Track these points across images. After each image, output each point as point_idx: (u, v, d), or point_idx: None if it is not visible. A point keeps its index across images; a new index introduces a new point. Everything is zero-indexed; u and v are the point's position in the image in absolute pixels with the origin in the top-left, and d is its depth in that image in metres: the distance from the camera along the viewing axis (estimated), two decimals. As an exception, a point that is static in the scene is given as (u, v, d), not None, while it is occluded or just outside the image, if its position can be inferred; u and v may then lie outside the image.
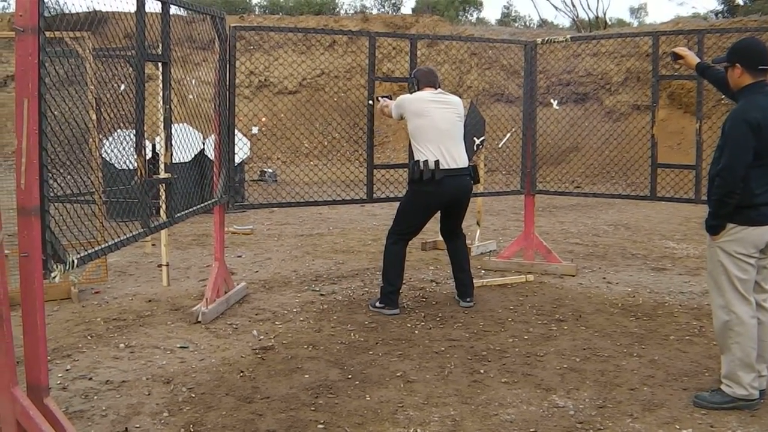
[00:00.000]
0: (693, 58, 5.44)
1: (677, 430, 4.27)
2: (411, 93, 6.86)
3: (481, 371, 5.20)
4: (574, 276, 8.13)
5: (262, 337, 5.98)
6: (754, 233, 4.51)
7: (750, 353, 4.52)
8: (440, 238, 9.38)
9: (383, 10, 33.85)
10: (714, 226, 4.59)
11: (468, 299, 6.93)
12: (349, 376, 5.09)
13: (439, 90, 6.82)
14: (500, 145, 10.11)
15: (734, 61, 4.62)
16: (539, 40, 8.34)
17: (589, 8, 34.82)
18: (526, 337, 5.99)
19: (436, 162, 6.51)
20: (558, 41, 8.47)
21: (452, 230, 7.03)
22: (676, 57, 5.48)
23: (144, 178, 4.91)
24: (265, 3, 33.09)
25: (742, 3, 28.55)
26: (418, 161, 6.56)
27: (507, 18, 37.67)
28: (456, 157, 6.61)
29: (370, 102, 7.49)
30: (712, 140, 7.91)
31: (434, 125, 6.57)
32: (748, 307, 4.56)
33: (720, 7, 29.78)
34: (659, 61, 7.60)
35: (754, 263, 4.57)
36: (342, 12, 32.65)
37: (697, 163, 7.26)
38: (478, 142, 8.20)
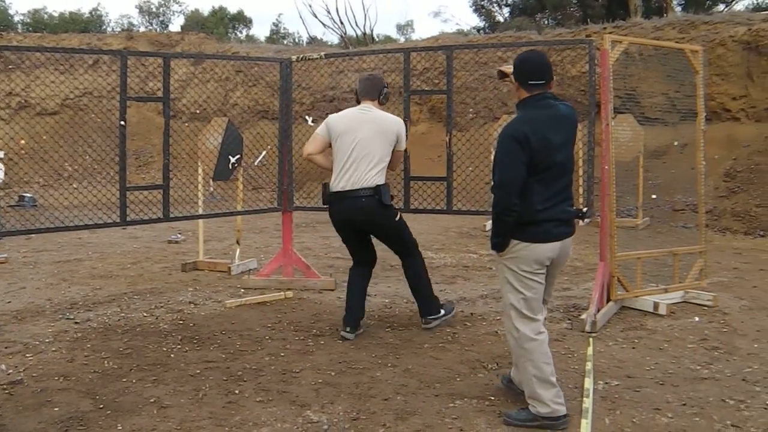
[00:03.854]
0: None
1: (429, 437, 4.34)
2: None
3: (236, 392, 5.11)
4: (333, 290, 8.19)
5: (11, 371, 5.58)
6: (537, 250, 4.47)
7: (544, 369, 4.50)
8: (200, 258, 9.20)
9: (151, 27, 33.17)
10: (497, 243, 4.52)
11: (424, 320, 6.71)
12: (101, 406, 4.86)
13: (364, 104, 6.59)
14: (255, 163, 10.05)
15: (513, 75, 4.66)
16: (294, 57, 8.39)
17: (357, 25, 35.48)
18: (282, 354, 5.95)
19: (325, 185, 6.46)
20: (313, 58, 8.53)
21: (398, 253, 6.78)
22: (503, 75, 5.45)
23: None
24: (28, 20, 31.63)
25: (502, 20, 30.05)
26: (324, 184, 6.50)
27: (276, 35, 37.84)
28: (348, 179, 6.33)
29: (122, 123, 7.22)
30: (470, 152, 8.22)
31: (340, 146, 6.40)
32: (534, 324, 4.53)
33: (482, 24, 31.22)
34: (410, 76, 7.80)
35: (540, 279, 4.54)
36: (108, 30, 31.73)
37: (449, 175, 7.48)
38: (233, 160, 8.10)
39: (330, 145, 6.51)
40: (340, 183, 6.35)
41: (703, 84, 7.72)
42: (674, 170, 12.64)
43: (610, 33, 8.12)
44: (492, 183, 4.53)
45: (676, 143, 13.91)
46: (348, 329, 6.47)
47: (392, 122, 6.53)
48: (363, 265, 6.74)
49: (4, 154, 14.53)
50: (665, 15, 21.53)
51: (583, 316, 6.62)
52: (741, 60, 15.28)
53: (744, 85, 15.19)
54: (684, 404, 4.82)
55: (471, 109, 18.12)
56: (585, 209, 5.76)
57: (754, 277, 8.86)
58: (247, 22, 36.05)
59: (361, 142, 6.32)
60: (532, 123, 4.41)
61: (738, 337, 6.36)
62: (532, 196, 4.40)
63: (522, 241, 4.45)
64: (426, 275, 6.74)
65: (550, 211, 4.45)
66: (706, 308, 7.27)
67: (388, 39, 35.46)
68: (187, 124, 18.62)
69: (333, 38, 41.32)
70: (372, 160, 6.33)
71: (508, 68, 5.37)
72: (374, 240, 6.70)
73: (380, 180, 6.37)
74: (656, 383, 5.23)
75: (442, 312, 6.76)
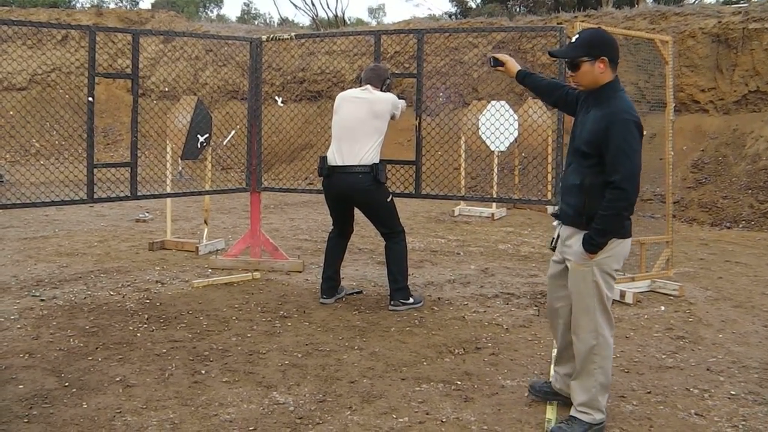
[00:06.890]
0: (514, 65, 5.11)
1: (394, 420, 4.34)
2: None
3: (203, 372, 5.08)
4: (300, 272, 8.18)
5: (-25, 348, 5.52)
6: (627, 246, 4.22)
7: (609, 375, 4.26)
8: (167, 237, 9.11)
9: (121, 5, 32.88)
10: (602, 244, 4.10)
11: (392, 302, 6.83)
12: (66, 384, 4.81)
13: (364, 87, 6.79)
14: (224, 143, 9.98)
15: (598, 54, 4.15)
16: (265, 37, 8.31)
17: (329, 7, 35.43)
18: (249, 335, 5.93)
19: (323, 158, 6.72)
20: (283, 38, 8.47)
21: (382, 233, 7.03)
22: (497, 63, 5.21)
23: None
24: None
25: (474, 6, 30.01)
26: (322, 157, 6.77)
27: (247, 15, 37.68)
28: (345, 154, 6.60)
29: (90, 99, 7.14)
30: (440, 137, 8.19)
31: (337, 122, 6.73)
32: (613, 329, 4.29)
33: (453, 9, 31.20)
34: (380, 59, 7.75)
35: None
36: (78, 5, 31.35)
37: (418, 159, 7.47)
38: (201, 139, 8.03)
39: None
40: (337, 157, 6.64)
41: (672, 75, 7.78)
42: (642, 160, 12.72)
43: (582, 21, 8.12)
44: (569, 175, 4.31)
45: (644, 133, 14.00)
46: (325, 296, 6.99)
47: (386, 99, 6.73)
48: (342, 235, 7.17)
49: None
50: (636, 5, 21.60)
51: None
52: (710, 52, 15.37)
53: (713, 77, 15.28)
54: (649, 392, 4.86)
55: (441, 94, 18.11)
56: None
57: (719, 268, 8.94)
58: (218, 1, 35.92)
59: (357, 119, 6.62)
60: (634, 108, 4.10)
61: (703, 327, 6.42)
62: None
63: (618, 237, 4.15)
64: (405, 261, 6.93)
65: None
66: (672, 298, 7.32)
67: (359, 22, 35.50)
68: (156, 103, 18.41)
69: (304, 20, 41.30)
70: (369, 139, 6.61)
71: (503, 56, 5.31)
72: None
73: (376, 158, 6.64)
74: (622, 371, 5.26)
75: (411, 300, 6.84)
